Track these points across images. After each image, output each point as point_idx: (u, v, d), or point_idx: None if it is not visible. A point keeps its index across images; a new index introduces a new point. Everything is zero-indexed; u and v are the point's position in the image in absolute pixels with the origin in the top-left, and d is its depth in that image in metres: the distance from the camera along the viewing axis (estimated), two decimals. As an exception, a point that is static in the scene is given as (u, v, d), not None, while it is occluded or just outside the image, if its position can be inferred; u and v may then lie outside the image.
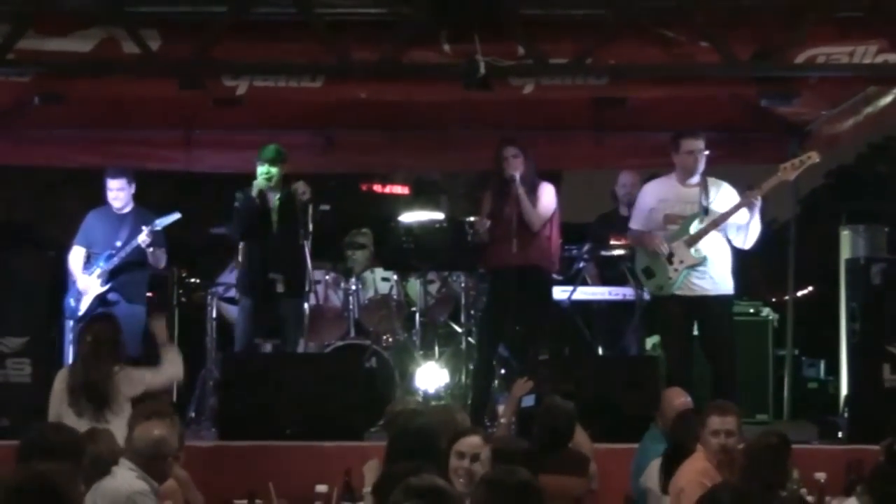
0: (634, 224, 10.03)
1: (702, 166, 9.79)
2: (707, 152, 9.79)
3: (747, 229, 9.65)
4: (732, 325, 10.09)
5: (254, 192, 10.34)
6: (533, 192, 9.92)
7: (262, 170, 10.36)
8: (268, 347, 10.66)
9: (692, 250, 9.61)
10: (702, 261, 9.60)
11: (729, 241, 9.73)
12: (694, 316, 9.74)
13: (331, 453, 8.90)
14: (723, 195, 9.74)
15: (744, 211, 9.61)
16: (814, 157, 9.69)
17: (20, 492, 4.65)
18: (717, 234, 9.65)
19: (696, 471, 6.89)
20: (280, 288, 10.28)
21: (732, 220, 9.64)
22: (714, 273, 9.67)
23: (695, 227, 9.64)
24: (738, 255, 9.85)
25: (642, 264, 9.91)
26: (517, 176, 9.80)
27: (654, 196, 9.95)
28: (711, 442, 7.08)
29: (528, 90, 9.63)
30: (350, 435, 9.32)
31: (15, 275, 10.20)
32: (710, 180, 9.83)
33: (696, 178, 9.79)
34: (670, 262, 9.65)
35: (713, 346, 9.74)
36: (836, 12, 9.25)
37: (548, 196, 10.02)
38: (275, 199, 10.42)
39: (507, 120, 11.19)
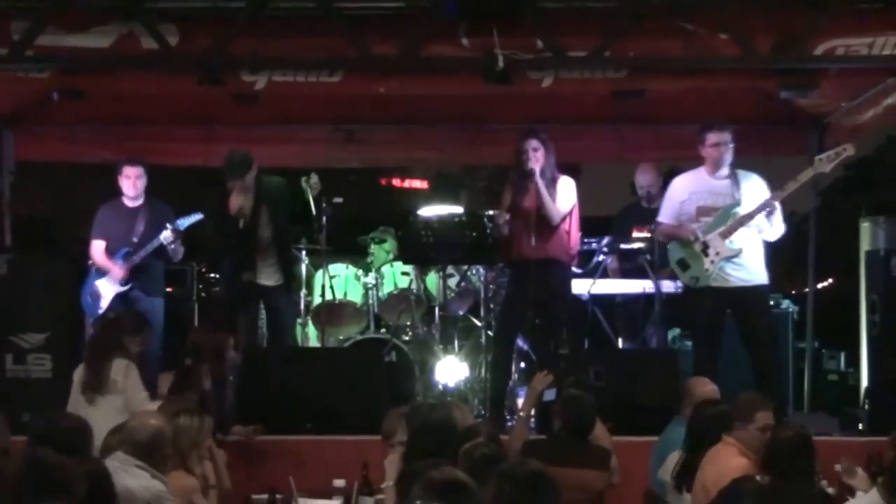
0: (663, 217, 10.00)
1: (729, 158, 9.76)
2: (731, 144, 9.77)
3: (771, 222, 9.64)
4: (771, 315, 10.06)
5: (232, 212, 10.23)
6: (552, 186, 9.91)
7: (233, 185, 10.25)
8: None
9: (727, 242, 9.60)
10: (737, 252, 9.59)
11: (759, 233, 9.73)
12: (729, 307, 9.74)
13: (350, 447, 8.89)
14: (753, 187, 9.72)
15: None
16: (849, 150, 9.66)
17: (22, 477, 4.72)
18: (749, 226, 9.64)
19: (737, 468, 6.71)
20: (262, 280, 10.25)
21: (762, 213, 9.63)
22: (749, 264, 9.65)
23: (729, 219, 9.62)
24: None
25: (676, 257, 9.87)
26: (537, 169, 9.79)
27: (685, 189, 9.93)
28: (759, 438, 7.00)
29: (546, 83, 9.64)
30: (370, 429, 9.31)
31: (35, 271, 10.23)
32: (740, 172, 9.81)
33: (725, 171, 9.77)
34: (706, 254, 9.63)
35: (754, 335, 9.72)
36: (855, 3, 9.23)
37: (567, 190, 10.00)
38: (239, 200, 10.28)
39: (527, 113, 11.20)
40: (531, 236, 9.79)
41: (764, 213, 9.54)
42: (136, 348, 8.97)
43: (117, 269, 10.34)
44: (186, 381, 8.67)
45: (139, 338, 9.05)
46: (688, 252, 9.76)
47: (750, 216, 9.56)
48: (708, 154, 9.80)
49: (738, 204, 9.63)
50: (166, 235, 10.25)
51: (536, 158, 9.84)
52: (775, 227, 9.67)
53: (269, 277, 10.23)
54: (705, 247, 9.65)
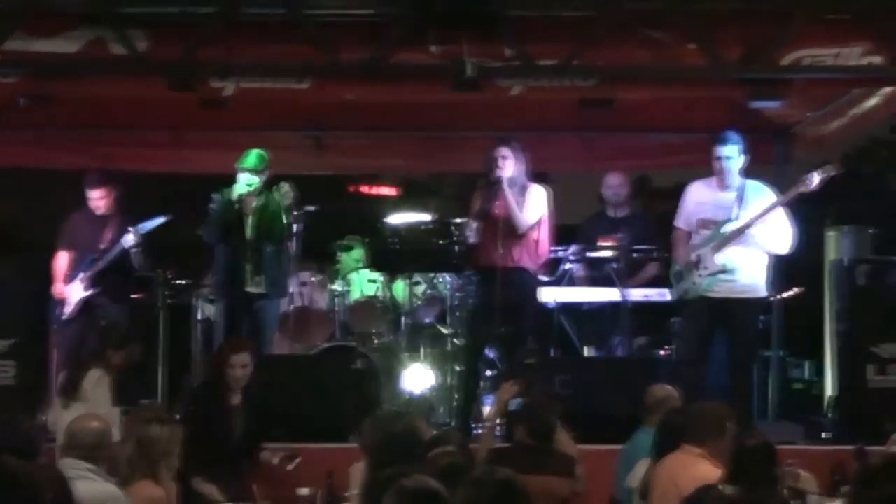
0: (678, 222, 10.08)
1: (731, 172, 9.78)
2: (737, 158, 9.78)
3: (772, 235, 9.71)
4: (755, 331, 10.11)
5: (233, 197, 10.24)
6: (522, 195, 9.91)
7: (243, 178, 10.23)
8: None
9: (716, 257, 9.65)
10: (723, 268, 9.64)
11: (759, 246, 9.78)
12: (718, 319, 9.79)
13: (315, 455, 8.86)
14: (759, 202, 9.76)
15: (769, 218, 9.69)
16: (836, 170, 9.75)
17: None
18: (747, 240, 9.69)
19: (706, 478, 6.63)
20: (259, 289, 10.25)
21: (763, 228, 9.67)
22: (741, 277, 9.70)
23: (720, 235, 9.67)
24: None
25: (675, 269, 10.02)
26: (505, 178, 9.80)
27: (693, 198, 10.02)
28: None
29: (515, 91, 9.66)
30: (336, 437, 9.31)
31: (1, 277, 10.19)
32: (753, 186, 9.84)
33: (732, 183, 9.81)
34: (696, 268, 9.72)
35: (732, 347, 9.83)
36: (822, 14, 9.28)
37: (537, 199, 10.00)
38: (254, 202, 10.31)
39: (496, 121, 11.21)
40: (499, 244, 9.79)
41: (759, 226, 9.60)
42: (118, 361, 8.94)
43: (68, 289, 10.42)
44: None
45: (123, 352, 9.02)
46: (684, 265, 9.84)
47: (740, 231, 9.60)
48: (713, 166, 9.85)
49: (731, 219, 9.68)
50: (128, 239, 10.26)
51: (506, 166, 9.85)
52: (778, 240, 9.72)
53: (257, 285, 10.23)
54: (697, 261, 9.72)
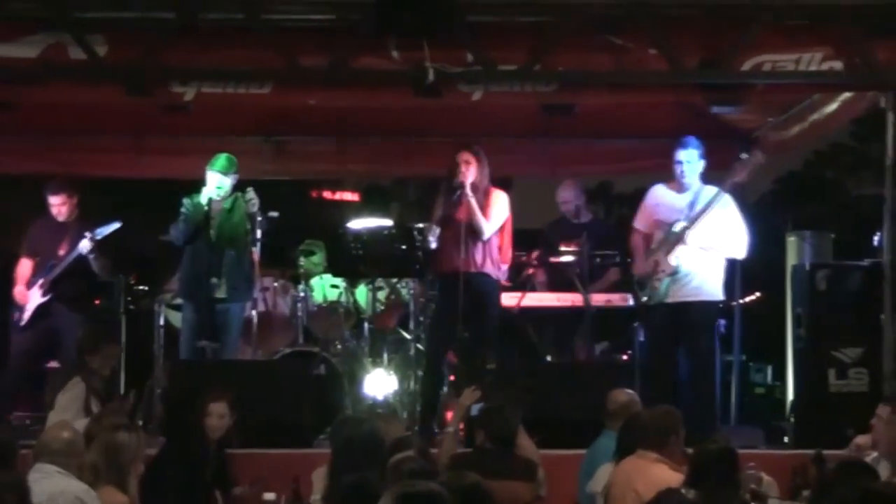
0: (637, 223, 10.22)
1: (688, 175, 9.85)
2: (695, 162, 9.84)
3: (724, 238, 9.77)
4: (711, 334, 10.14)
5: (202, 200, 10.23)
6: (485, 200, 9.92)
7: (213, 180, 10.22)
8: (210, 351, 10.53)
9: (670, 259, 9.70)
10: (677, 269, 9.69)
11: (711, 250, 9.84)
12: (678, 323, 9.84)
13: (279, 461, 8.83)
14: (713, 207, 9.82)
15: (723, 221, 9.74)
16: (759, 157, 9.83)
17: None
18: (699, 243, 9.73)
19: (664, 482, 6.59)
20: (220, 293, 10.22)
21: (713, 230, 9.72)
22: (697, 281, 9.77)
23: (671, 236, 9.73)
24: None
25: (636, 277, 10.11)
26: (468, 182, 9.81)
27: (652, 199, 10.15)
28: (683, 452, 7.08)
29: (476, 97, 9.64)
30: (299, 442, 9.28)
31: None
32: (709, 191, 9.90)
33: (690, 187, 9.87)
34: (655, 272, 9.76)
35: (690, 352, 9.89)
36: (782, 20, 9.31)
37: (499, 204, 10.02)
38: (222, 206, 10.30)
39: (457, 126, 11.20)
40: (461, 249, 9.80)
41: (710, 229, 9.64)
42: (96, 364, 8.90)
43: (27, 294, 10.43)
44: None
45: (99, 355, 8.97)
46: (643, 273, 9.90)
47: (684, 231, 9.66)
48: (673, 170, 9.92)
49: (680, 221, 9.73)
50: (84, 244, 10.24)
51: (468, 172, 9.86)
52: (730, 243, 9.77)
53: (218, 289, 10.20)
54: (654, 266, 9.77)
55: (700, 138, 10.03)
